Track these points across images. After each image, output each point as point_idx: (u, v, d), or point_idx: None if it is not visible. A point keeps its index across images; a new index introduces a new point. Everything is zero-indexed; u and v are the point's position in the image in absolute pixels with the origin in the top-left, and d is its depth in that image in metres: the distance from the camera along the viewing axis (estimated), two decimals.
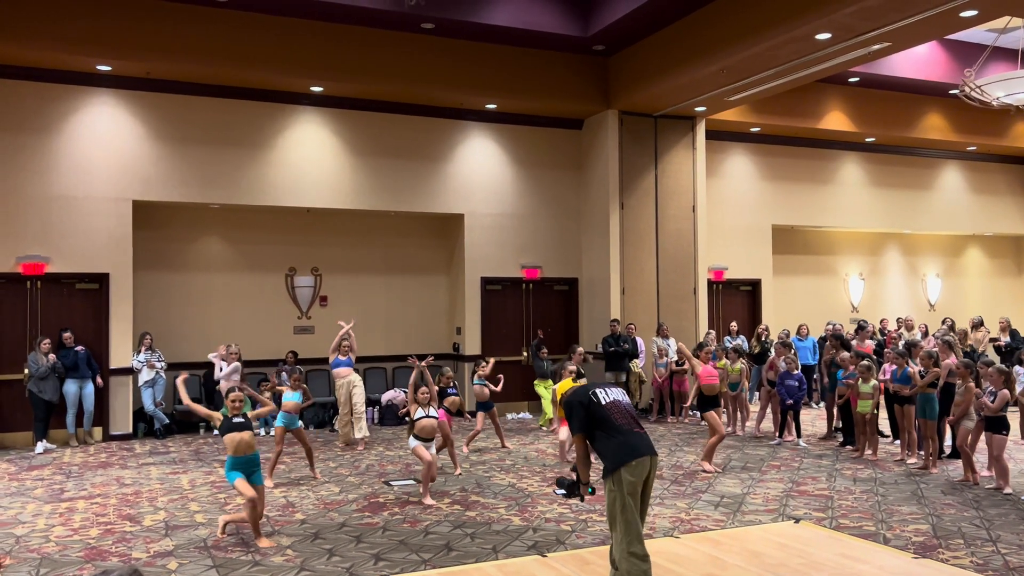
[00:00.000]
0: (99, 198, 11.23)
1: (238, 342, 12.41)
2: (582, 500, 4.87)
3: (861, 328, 11.95)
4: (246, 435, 6.41)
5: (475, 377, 10.24)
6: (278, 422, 8.59)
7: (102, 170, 11.28)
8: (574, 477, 4.75)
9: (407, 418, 7.86)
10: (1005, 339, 12.98)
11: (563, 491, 4.74)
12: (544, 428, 11.87)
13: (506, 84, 12.71)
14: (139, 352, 11.29)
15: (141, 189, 11.46)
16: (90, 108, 11.27)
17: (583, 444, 4.66)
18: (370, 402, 12.39)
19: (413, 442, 7.64)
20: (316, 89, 12.11)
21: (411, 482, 8.42)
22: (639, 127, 13.60)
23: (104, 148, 11.30)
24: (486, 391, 10.11)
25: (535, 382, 12.32)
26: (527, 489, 8.06)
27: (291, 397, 8.65)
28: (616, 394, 4.69)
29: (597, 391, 4.65)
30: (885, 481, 8.35)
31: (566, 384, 4.97)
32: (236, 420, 6.50)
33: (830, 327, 12.48)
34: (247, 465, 6.39)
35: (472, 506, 7.41)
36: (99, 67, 10.97)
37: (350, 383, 10.57)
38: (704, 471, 8.76)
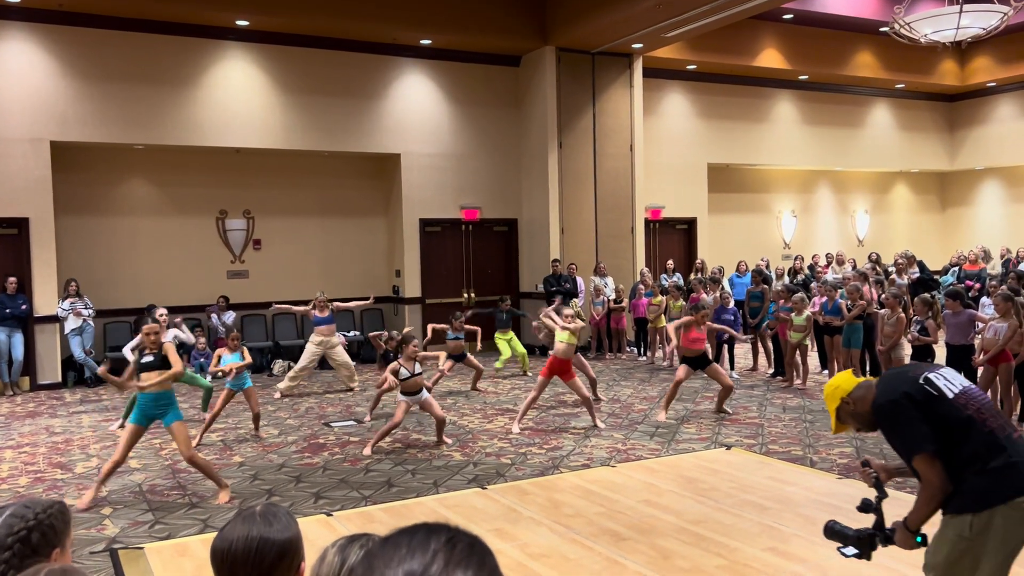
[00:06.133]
0: (13, 139, 10.67)
1: (169, 287, 12.12)
2: (870, 559, 3.05)
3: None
4: (154, 374, 5.86)
5: (451, 331, 10.09)
6: (228, 384, 7.89)
7: (15, 109, 10.69)
8: (870, 521, 3.04)
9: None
10: (913, 271, 13.53)
11: (853, 550, 3.03)
12: (497, 369, 11.30)
13: (441, 19, 12.39)
14: (64, 299, 10.92)
15: (58, 129, 10.92)
16: None
17: (933, 468, 2.82)
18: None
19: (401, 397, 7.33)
20: (242, 23, 11.61)
21: (351, 423, 8.41)
22: (576, 64, 13.46)
23: (16, 86, 10.69)
24: (462, 343, 10.14)
25: (496, 335, 11.33)
26: (468, 426, 8.14)
27: (231, 359, 7.94)
28: (958, 379, 2.99)
29: (931, 377, 2.93)
30: (812, 408, 8.67)
31: (847, 379, 3.12)
32: (147, 360, 5.91)
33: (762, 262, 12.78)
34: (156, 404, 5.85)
35: (413, 443, 7.45)
36: None
37: (327, 344, 10.05)
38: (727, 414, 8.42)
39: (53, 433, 8.24)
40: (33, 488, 6.29)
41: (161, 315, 8.79)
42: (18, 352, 10.56)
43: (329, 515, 5.45)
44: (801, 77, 16.12)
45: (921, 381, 2.90)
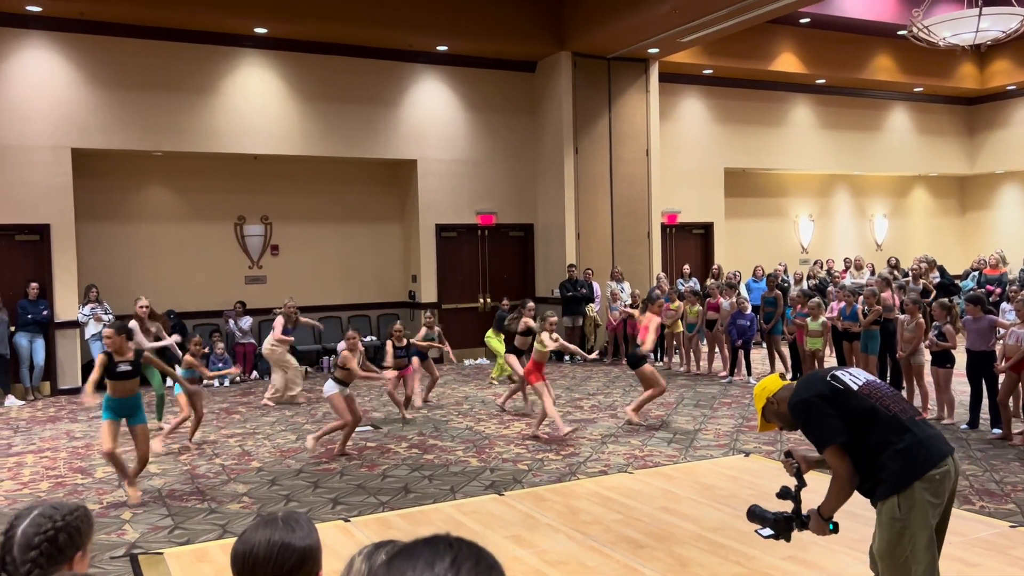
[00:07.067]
0: (35, 147, 10.81)
1: (188, 293, 12.21)
2: (789, 540, 3.31)
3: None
4: (128, 383, 6.16)
5: (425, 330, 9.93)
6: (177, 389, 7.87)
7: (37, 117, 10.83)
8: (788, 507, 3.28)
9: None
10: (934, 275, 13.41)
11: (769, 531, 3.26)
12: (495, 381, 11.18)
13: (457, 25, 12.44)
14: (84, 305, 11.02)
15: (79, 137, 11.05)
16: (21, 52, 10.76)
17: (842, 462, 3.08)
18: (325, 351, 12.33)
19: (335, 388, 7.32)
20: (260, 31, 11.71)
21: (368, 428, 8.43)
22: (592, 70, 13.46)
23: (38, 94, 10.83)
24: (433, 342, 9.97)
25: (488, 335, 11.34)
26: (484, 432, 8.14)
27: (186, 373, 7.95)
28: (863, 374, 3.25)
29: (837, 374, 3.19)
30: None
31: (773, 381, 3.39)
32: (121, 368, 6.13)
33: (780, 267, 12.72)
34: (123, 407, 6.14)
35: (430, 449, 7.46)
36: (29, 8, 10.45)
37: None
38: (631, 422, 8.25)
39: (74, 438, 8.32)
40: (54, 493, 6.35)
41: (143, 307, 8.97)
42: (39, 357, 10.67)
43: (347, 521, 5.46)
44: (818, 81, 16.04)
45: (829, 379, 3.16)
